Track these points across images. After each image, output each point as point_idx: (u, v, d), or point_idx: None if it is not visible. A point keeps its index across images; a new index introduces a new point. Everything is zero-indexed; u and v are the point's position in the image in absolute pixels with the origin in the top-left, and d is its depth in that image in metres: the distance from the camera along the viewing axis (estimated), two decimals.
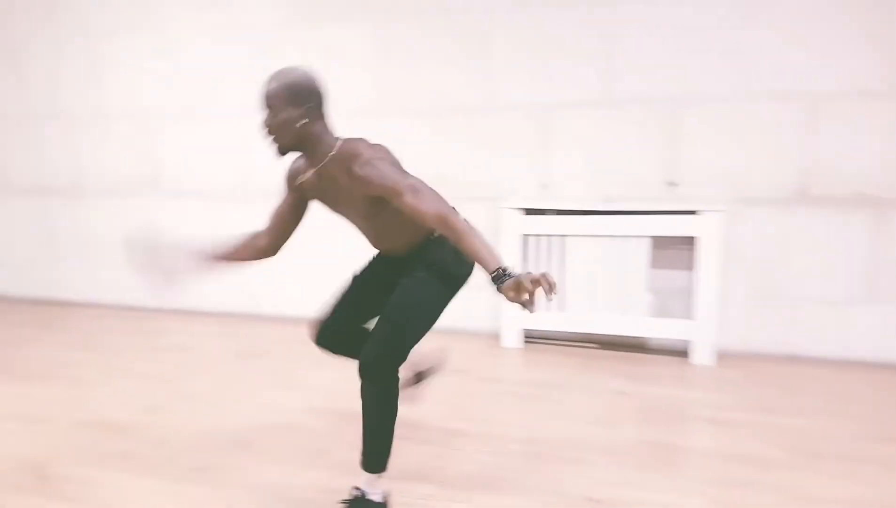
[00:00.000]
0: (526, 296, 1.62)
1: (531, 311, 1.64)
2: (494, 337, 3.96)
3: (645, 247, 3.53)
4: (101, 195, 4.75)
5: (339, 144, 1.92)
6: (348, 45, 4.08)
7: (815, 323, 3.55)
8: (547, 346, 3.82)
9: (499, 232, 3.81)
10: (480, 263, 1.72)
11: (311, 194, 2.04)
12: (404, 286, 1.97)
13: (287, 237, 2.14)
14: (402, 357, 1.88)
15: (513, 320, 3.78)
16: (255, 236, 2.12)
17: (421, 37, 3.92)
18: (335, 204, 2.00)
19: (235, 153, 4.41)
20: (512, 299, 1.63)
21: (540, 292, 1.57)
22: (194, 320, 4.46)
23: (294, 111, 1.90)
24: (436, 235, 2.04)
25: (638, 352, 3.71)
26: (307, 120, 1.91)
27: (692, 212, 3.43)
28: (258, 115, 4.27)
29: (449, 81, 3.92)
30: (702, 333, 3.49)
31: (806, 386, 3.19)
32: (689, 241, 3.54)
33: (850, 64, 3.35)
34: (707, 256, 3.43)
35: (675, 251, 3.60)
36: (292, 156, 2.11)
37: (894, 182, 3.36)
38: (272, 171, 4.35)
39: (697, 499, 2.09)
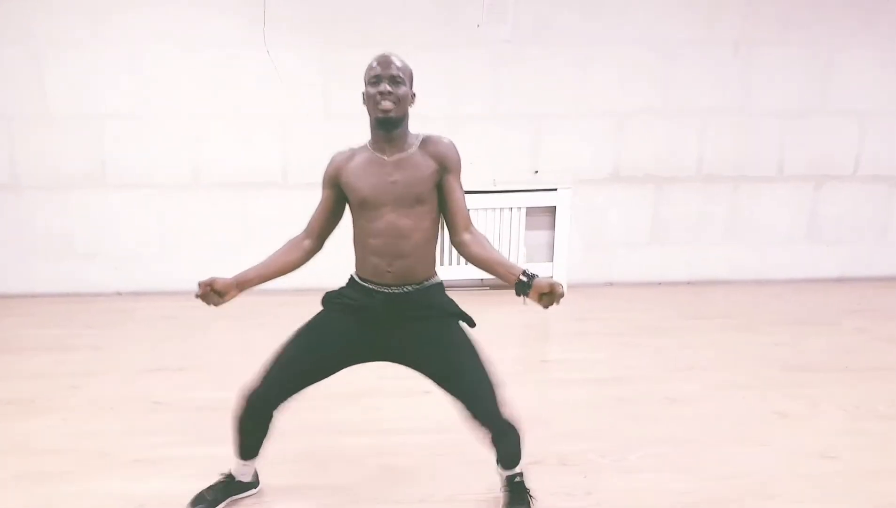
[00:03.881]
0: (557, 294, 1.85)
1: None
2: None
3: (522, 215, 5.05)
4: (39, 190, 4.92)
5: (421, 134, 2.09)
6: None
7: (622, 259, 5.41)
8: (460, 291, 5.17)
9: None
10: (506, 270, 1.97)
11: (362, 184, 2.02)
12: (458, 348, 2.08)
13: (329, 235, 2.23)
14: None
15: None
16: (297, 244, 2.19)
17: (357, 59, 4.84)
18: (392, 197, 2.00)
19: (185, 149, 4.93)
20: (546, 301, 1.87)
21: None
22: (145, 298, 5.03)
23: (410, 92, 2.05)
24: (437, 278, 2.17)
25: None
26: (411, 105, 2.08)
27: (553, 189, 5.03)
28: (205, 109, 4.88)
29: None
30: (559, 272, 5.15)
31: (623, 300, 5.04)
32: (550, 210, 5.13)
33: (640, 92, 5.17)
34: (562, 219, 5.07)
35: (539, 218, 5.17)
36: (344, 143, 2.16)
37: (667, 167, 5.29)
38: (224, 163, 4.98)
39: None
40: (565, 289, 2.00)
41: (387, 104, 1.95)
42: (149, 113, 4.84)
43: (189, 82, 4.83)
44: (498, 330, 4.29)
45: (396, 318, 2.08)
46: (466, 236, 2.09)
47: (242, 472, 2.31)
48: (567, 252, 5.16)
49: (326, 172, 2.13)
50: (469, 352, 2.09)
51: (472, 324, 2.15)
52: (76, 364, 3.64)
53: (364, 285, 2.10)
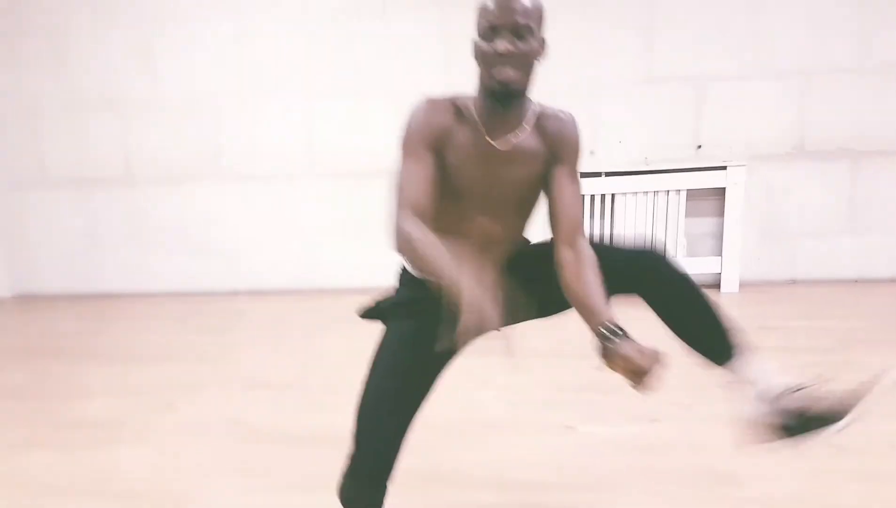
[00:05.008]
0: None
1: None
2: None
3: (681, 199, 4.22)
4: (152, 183, 4.75)
5: (537, 105, 1.51)
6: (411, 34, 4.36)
7: (809, 252, 4.43)
8: None
9: None
10: (588, 313, 1.39)
11: (463, 173, 1.46)
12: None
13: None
14: None
15: None
16: (425, 226, 1.37)
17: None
18: (493, 199, 1.48)
19: (299, 133, 4.57)
20: (632, 380, 1.31)
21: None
22: (258, 298, 4.71)
23: (541, 42, 1.42)
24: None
25: None
26: (541, 61, 1.44)
27: (722, 168, 4.15)
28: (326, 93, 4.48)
29: None
30: (728, 267, 4.27)
31: (811, 303, 4.07)
32: (718, 192, 4.25)
33: (831, 46, 4.15)
34: (733, 203, 4.18)
35: (703, 202, 4.31)
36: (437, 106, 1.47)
37: (866, 138, 4.24)
38: (340, 148, 4.57)
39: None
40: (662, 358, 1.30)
41: (507, 72, 1.35)
42: (261, 96, 4.52)
43: (299, 58, 4.45)
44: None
45: None
46: (567, 256, 1.45)
47: None
48: (739, 244, 4.26)
49: (425, 125, 1.44)
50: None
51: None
52: (178, 377, 3.28)
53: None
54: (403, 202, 1.37)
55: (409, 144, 1.43)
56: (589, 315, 1.36)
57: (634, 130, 4.29)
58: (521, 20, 1.34)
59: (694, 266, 4.25)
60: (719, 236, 4.30)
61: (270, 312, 4.32)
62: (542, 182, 1.51)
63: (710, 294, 1.43)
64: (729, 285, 4.26)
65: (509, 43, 1.33)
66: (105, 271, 4.87)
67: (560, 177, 1.48)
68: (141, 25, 4.47)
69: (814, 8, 4.07)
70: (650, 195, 4.21)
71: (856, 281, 4.41)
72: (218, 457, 2.50)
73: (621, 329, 1.30)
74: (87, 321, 4.37)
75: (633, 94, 4.27)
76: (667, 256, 1.41)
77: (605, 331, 1.30)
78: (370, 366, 1.55)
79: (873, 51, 4.10)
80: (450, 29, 4.25)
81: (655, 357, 1.27)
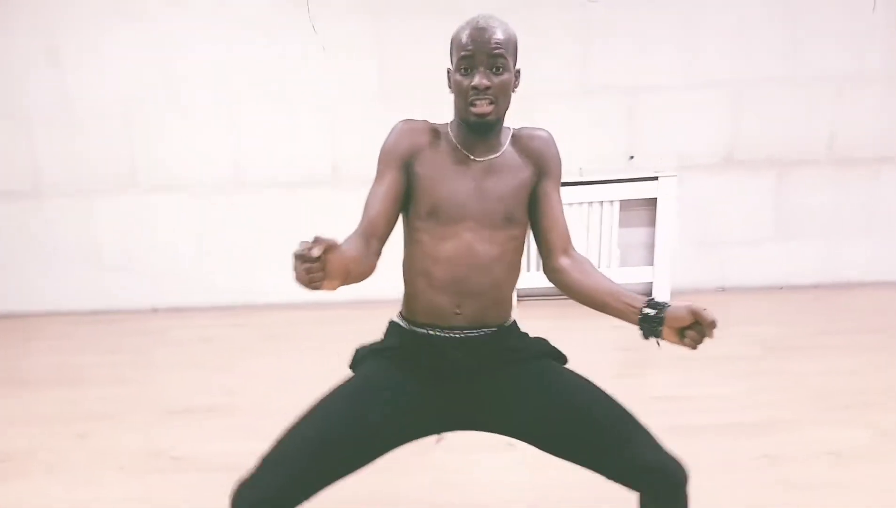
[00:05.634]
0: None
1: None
2: None
3: (615, 210, 4.24)
4: (62, 196, 4.41)
5: (510, 127, 1.57)
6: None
7: (737, 260, 4.52)
8: (536, 301, 4.41)
9: None
10: (622, 302, 1.43)
11: (440, 184, 1.46)
12: (574, 386, 1.49)
13: (388, 239, 1.48)
14: None
15: None
16: (365, 247, 1.38)
17: (419, 30, 4.07)
18: (477, 211, 1.46)
19: (224, 142, 4.34)
20: (692, 339, 1.37)
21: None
22: (180, 316, 4.45)
23: (515, 73, 1.46)
24: (513, 319, 1.63)
25: None
26: (515, 90, 1.48)
27: (654, 178, 4.19)
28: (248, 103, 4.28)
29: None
30: (660, 276, 4.31)
31: (740, 310, 4.16)
32: (650, 202, 4.27)
33: (760, 56, 4.25)
34: (664, 213, 4.23)
35: (635, 212, 4.34)
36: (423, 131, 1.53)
37: (792, 148, 4.35)
38: (267, 159, 4.37)
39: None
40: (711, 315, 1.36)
41: (483, 106, 1.40)
42: (181, 104, 4.27)
43: (222, 66, 4.23)
44: (584, 356, 3.49)
45: (475, 368, 1.50)
46: (564, 261, 1.54)
47: None
48: (671, 253, 4.31)
49: (395, 145, 1.49)
50: (590, 387, 1.49)
51: (564, 361, 1.63)
52: (90, 404, 3.05)
53: (422, 332, 1.52)
54: (359, 223, 1.43)
55: (379, 166, 1.49)
56: (621, 303, 1.42)
57: (568, 140, 4.24)
58: (497, 52, 1.37)
59: (626, 276, 4.28)
60: (652, 246, 4.33)
61: (193, 330, 4.09)
62: (530, 198, 1.53)
63: None
64: (660, 293, 4.29)
65: (485, 77, 1.37)
66: (9, 290, 4.51)
67: (549, 191, 1.54)
68: (45, 28, 4.16)
69: (743, 19, 4.15)
70: (584, 206, 4.21)
71: (781, 288, 4.53)
72: (135, 491, 2.31)
73: (661, 302, 1.38)
74: None
75: (566, 105, 4.26)
76: (686, 485, 1.38)
77: (651, 309, 1.37)
78: (321, 398, 1.43)
79: (801, 62, 4.21)
80: (382, 35, 4.13)
81: (703, 308, 1.33)
